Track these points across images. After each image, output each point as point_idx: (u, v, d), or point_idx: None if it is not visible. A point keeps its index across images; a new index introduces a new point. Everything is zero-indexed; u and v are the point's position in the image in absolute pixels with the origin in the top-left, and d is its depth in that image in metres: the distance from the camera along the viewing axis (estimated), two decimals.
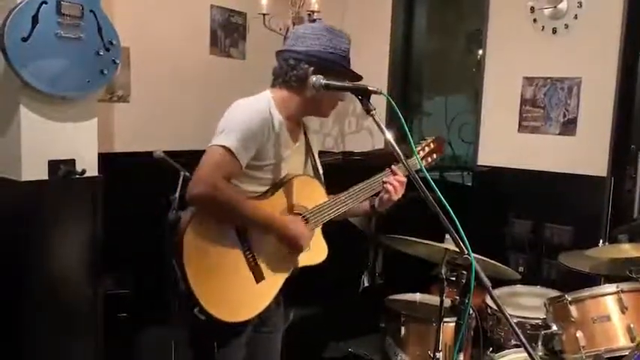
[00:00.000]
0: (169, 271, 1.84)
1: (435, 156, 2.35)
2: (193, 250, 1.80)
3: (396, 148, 1.79)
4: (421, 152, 2.31)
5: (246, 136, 1.83)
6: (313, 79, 1.85)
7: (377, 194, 2.12)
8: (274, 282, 1.97)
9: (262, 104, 1.93)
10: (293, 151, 2.02)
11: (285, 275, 1.99)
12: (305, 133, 2.12)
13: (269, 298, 1.96)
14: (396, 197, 2.08)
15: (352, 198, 2.09)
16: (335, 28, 2.02)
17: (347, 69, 1.99)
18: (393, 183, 2.07)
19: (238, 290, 1.89)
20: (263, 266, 1.92)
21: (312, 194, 2.05)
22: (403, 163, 1.75)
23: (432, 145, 2.35)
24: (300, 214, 2.00)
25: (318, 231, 2.08)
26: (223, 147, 1.81)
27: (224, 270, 1.86)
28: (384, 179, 2.09)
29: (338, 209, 2.06)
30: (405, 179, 2.08)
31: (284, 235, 1.92)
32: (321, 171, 2.17)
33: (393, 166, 2.11)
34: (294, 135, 2.02)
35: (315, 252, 2.06)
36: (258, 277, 1.92)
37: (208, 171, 1.81)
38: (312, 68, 1.92)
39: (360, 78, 2.04)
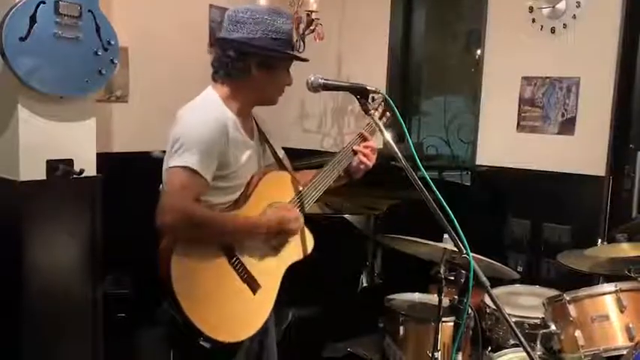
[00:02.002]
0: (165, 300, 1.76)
1: (388, 114, 2.17)
2: (183, 280, 1.71)
3: (395, 147, 1.79)
4: (376, 112, 2.08)
5: (207, 150, 1.73)
6: (312, 78, 1.82)
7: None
8: (272, 287, 1.92)
9: (213, 108, 1.83)
10: (253, 148, 1.93)
11: (280, 277, 1.94)
12: (257, 124, 2.02)
13: (270, 304, 1.92)
14: (370, 164, 2.01)
15: (326, 178, 2.00)
16: (277, 8, 1.90)
17: (292, 55, 1.87)
18: (364, 151, 2.00)
19: (238, 306, 1.83)
20: (256, 274, 1.86)
21: (283, 188, 1.97)
22: (402, 164, 1.76)
23: (379, 109, 2.14)
24: None
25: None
26: (185, 168, 1.71)
27: (219, 290, 1.79)
28: (354, 148, 2.02)
29: (315, 194, 1.98)
30: (375, 145, 2.01)
31: (272, 229, 1.84)
32: (281, 155, 2.08)
33: (362, 131, 2.04)
34: (249, 131, 1.94)
35: (303, 245, 2.01)
36: (254, 286, 1.85)
37: (175, 196, 1.71)
38: (254, 59, 1.82)
39: (306, 60, 1.95)
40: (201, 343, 1.73)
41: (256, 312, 1.88)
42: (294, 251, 1.98)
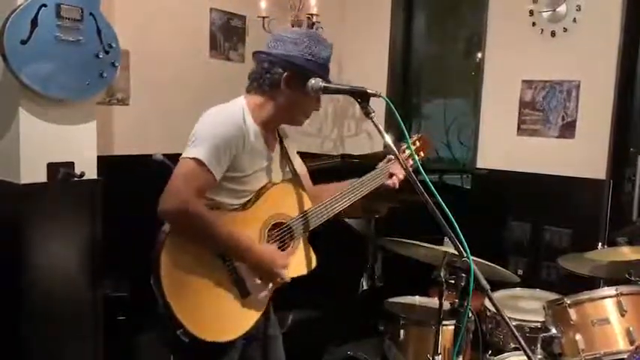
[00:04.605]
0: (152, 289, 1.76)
1: (422, 154, 2.26)
2: (171, 267, 1.72)
3: (395, 151, 1.79)
4: (407, 150, 2.17)
5: (219, 147, 1.76)
6: (312, 81, 1.82)
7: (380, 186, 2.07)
8: (263, 296, 1.90)
9: (236, 113, 1.86)
10: (271, 160, 1.95)
11: (272, 288, 1.93)
12: (281, 141, 2.04)
13: (257, 313, 1.89)
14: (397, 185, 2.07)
15: (340, 201, 2.01)
16: (319, 36, 1.95)
17: (323, 78, 1.89)
18: (400, 176, 2.06)
19: (223, 307, 1.81)
20: (248, 280, 1.85)
21: (293, 201, 1.98)
22: (403, 165, 1.76)
23: (417, 144, 2.25)
24: (283, 224, 1.94)
25: (305, 241, 2.00)
26: (195, 159, 1.74)
27: (206, 287, 1.78)
28: (391, 171, 2.07)
29: (324, 215, 1.99)
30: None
31: (258, 268, 1.85)
32: (300, 172, 2.10)
33: (390, 156, 2.08)
34: (270, 144, 1.96)
35: (303, 263, 2.00)
36: (244, 292, 1.85)
37: (179, 185, 1.73)
38: (285, 73, 1.86)
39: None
40: (179, 335, 1.72)
41: (240, 318, 1.85)
42: (293, 267, 1.95)
